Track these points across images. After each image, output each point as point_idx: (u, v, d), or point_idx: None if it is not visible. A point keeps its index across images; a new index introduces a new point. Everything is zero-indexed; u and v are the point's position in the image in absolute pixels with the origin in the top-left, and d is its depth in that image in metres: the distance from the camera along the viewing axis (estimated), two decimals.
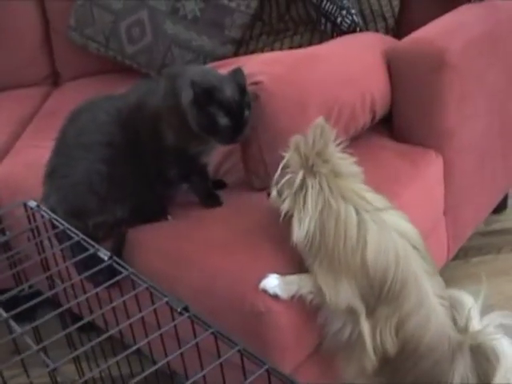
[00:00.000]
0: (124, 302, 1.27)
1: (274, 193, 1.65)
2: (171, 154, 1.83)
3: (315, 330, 1.69)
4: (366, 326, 1.61)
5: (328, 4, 2.40)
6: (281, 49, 2.64)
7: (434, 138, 2.11)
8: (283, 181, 1.61)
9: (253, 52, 2.64)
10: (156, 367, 1.09)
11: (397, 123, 2.17)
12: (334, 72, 1.99)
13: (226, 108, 1.71)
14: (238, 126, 1.74)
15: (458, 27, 2.14)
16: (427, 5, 2.48)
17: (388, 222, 1.58)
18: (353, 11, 2.39)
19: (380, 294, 1.56)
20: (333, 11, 2.40)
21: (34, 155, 2.29)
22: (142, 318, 1.25)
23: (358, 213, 1.56)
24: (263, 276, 1.61)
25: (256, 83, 1.82)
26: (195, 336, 1.15)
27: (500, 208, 2.83)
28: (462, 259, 2.56)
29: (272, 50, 2.64)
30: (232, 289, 1.63)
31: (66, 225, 1.48)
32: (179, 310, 1.18)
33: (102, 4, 2.70)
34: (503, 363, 1.56)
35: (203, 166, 1.91)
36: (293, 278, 1.61)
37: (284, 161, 1.61)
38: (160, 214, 1.91)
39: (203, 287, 1.68)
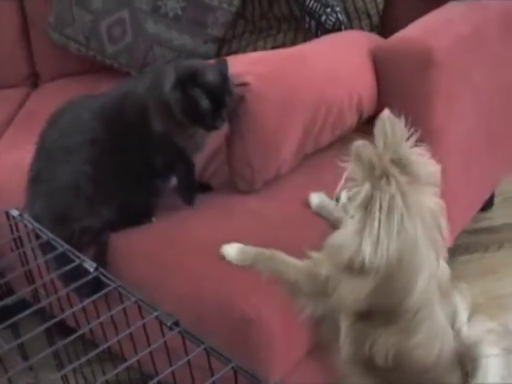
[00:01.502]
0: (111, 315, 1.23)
1: (344, 199, 1.54)
2: (157, 140, 1.80)
3: (305, 334, 1.66)
4: (344, 325, 1.57)
5: (312, 2, 2.37)
6: (264, 47, 2.61)
7: (421, 137, 2.07)
8: (348, 195, 1.46)
9: (235, 51, 2.61)
10: None
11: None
12: (321, 71, 1.96)
13: (208, 91, 1.71)
14: (219, 109, 1.73)
15: (445, 25, 2.12)
16: (412, 2, 2.47)
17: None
18: (337, 9, 2.37)
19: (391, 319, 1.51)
20: (317, 9, 2.37)
21: (15, 157, 2.25)
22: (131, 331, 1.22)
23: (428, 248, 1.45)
24: (252, 281, 1.58)
25: (243, 84, 1.79)
26: (186, 351, 1.12)
27: (487, 206, 2.82)
28: (449, 258, 2.53)
29: (255, 48, 2.61)
30: (220, 294, 1.60)
31: (50, 235, 1.44)
32: (169, 324, 1.14)
33: (82, 3, 2.64)
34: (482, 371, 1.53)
35: (189, 156, 1.87)
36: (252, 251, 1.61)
37: (347, 173, 1.45)
38: (145, 216, 1.87)
39: (190, 292, 1.65)
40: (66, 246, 1.40)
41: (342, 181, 1.50)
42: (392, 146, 1.38)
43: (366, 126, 2.11)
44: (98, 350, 1.13)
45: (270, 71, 1.86)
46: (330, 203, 1.77)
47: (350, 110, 2.00)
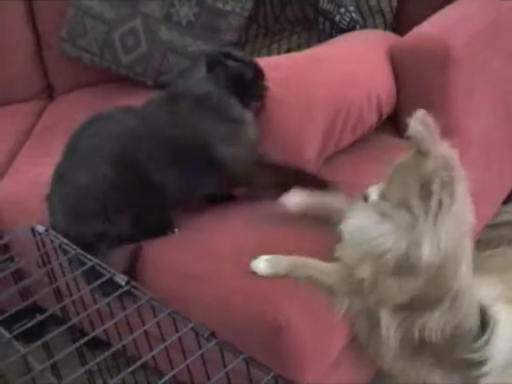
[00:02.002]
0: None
1: (374, 196, 1.57)
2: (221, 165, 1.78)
3: (336, 340, 1.66)
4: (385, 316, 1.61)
5: (326, 3, 2.37)
6: (278, 50, 2.60)
7: (442, 134, 2.07)
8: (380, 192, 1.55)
9: (249, 55, 2.60)
10: None
11: (403, 121, 2.12)
12: (339, 73, 1.96)
13: (246, 63, 1.79)
14: (260, 78, 1.77)
15: (461, 21, 2.11)
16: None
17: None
18: (351, 9, 2.36)
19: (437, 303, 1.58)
20: (331, 10, 2.37)
21: (35, 173, 2.24)
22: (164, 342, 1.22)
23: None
24: (281, 289, 1.58)
25: None
26: (224, 363, 1.11)
27: (508, 199, 2.79)
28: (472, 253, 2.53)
29: (269, 51, 2.61)
30: (249, 303, 1.59)
31: (78, 250, 1.43)
32: (206, 336, 1.13)
33: (94, 14, 2.65)
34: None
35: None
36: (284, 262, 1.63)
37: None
38: (166, 227, 1.85)
39: (218, 304, 1.63)
40: (96, 261, 1.39)
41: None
42: (431, 146, 1.48)
43: (384, 125, 2.12)
44: (132, 367, 1.12)
45: (288, 76, 1.87)
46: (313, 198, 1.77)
47: (369, 110, 1.99)
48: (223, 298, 1.62)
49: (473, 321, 1.63)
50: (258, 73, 1.76)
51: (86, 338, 1.22)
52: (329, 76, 1.92)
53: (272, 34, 2.65)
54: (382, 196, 1.55)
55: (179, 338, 1.20)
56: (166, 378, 1.09)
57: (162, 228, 1.85)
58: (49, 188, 1.87)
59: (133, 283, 1.30)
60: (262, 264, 1.61)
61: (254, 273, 1.61)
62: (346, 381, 1.76)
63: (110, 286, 1.41)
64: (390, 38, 2.23)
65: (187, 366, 1.19)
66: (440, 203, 1.43)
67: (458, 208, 1.46)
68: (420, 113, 1.50)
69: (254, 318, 1.56)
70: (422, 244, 1.46)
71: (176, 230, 1.85)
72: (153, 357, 1.26)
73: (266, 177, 1.80)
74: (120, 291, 1.31)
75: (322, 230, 1.72)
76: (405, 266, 1.51)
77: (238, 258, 1.67)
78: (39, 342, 1.24)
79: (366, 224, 1.61)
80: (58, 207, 1.80)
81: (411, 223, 1.47)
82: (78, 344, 1.22)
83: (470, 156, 2.10)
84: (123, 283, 1.30)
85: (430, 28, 2.09)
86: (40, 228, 1.54)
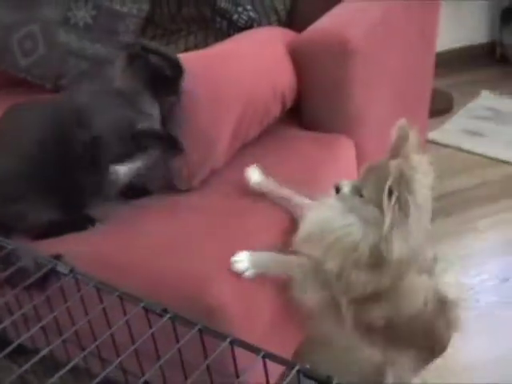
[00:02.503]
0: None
1: (346, 189, 1.64)
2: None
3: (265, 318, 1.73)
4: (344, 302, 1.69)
5: (223, 2, 2.44)
6: (176, 50, 2.64)
7: (343, 124, 2.18)
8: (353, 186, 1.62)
9: None
10: None
11: (306, 112, 2.23)
12: (245, 68, 2.03)
13: (166, 58, 1.81)
14: (178, 74, 1.81)
15: (356, 15, 2.23)
16: None
17: None
18: (248, 7, 2.44)
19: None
20: (228, 9, 2.45)
21: None
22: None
23: None
24: (211, 273, 1.64)
25: None
26: (177, 337, 1.16)
27: None
28: None
29: None
30: (181, 289, 1.63)
31: (14, 245, 1.44)
32: (158, 311, 1.18)
33: None
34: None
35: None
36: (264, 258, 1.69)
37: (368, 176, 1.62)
38: (86, 221, 1.89)
39: (151, 292, 1.67)
40: (34, 253, 1.41)
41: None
42: (406, 153, 1.57)
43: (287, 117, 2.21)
44: (81, 356, 1.14)
45: (198, 71, 1.92)
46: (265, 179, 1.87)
47: (274, 102, 2.08)
48: (155, 287, 1.65)
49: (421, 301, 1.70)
50: (177, 68, 1.80)
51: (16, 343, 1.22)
52: (235, 71, 1.99)
53: (169, 33, 2.70)
54: (354, 191, 1.63)
55: (127, 321, 1.23)
56: (113, 366, 1.12)
57: (83, 221, 1.89)
58: None
59: (76, 271, 1.31)
60: (245, 260, 1.67)
61: (183, 257, 1.68)
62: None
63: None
64: (288, 33, 2.32)
65: (135, 350, 1.22)
66: (405, 202, 1.50)
67: (420, 208, 1.53)
68: (402, 121, 1.63)
69: (186, 302, 1.60)
70: (393, 241, 1.52)
71: (97, 224, 1.88)
72: (97, 346, 1.28)
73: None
74: (64, 279, 1.32)
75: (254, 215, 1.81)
76: (376, 260, 1.57)
77: (166, 248, 1.73)
78: None
79: (331, 215, 1.68)
80: None
81: (379, 219, 1.53)
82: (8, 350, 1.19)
83: (370, 143, 2.23)
84: (66, 271, 1.31)
85: (326, 23, 2.19)
86: None
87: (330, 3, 2.34)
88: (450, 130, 3.63)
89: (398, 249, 1.52)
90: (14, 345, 1.23)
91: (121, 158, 1.80)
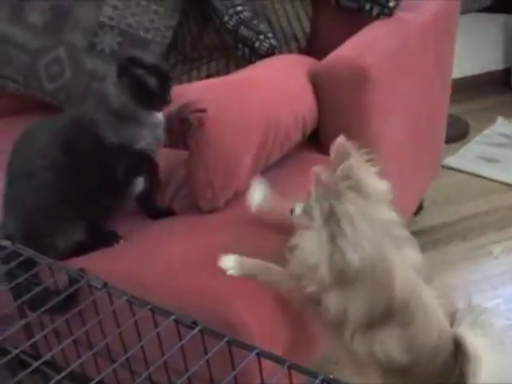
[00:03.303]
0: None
1: (298, 210, 1.68)
2: (116, 153, 1.89)
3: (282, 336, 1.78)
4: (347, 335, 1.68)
5: (245, 30, 2.52)
6: (198, 76, 2.73)
7: (360, 149, 2.23)
8: (313, 211, 1.60)
9: None
10: None
11: (324, 138, 2.29)
12: (268, 94, 2.10)
13: (151, 69, 1.84)
14: (165, 85, 1.86)
15: (374, 43, 2.30)
16: (336, 24, 2.64)
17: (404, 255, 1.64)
18: (269, 35, 2.52)
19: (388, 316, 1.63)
20: (250, 36, 2.52)
21: None
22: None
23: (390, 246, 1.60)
24: (234, 291, 1.71)
25: (199, 110, 1.91)
26: (205, 349, 1.22)
27: (417, 210, 3.00)
28: None
29: (190, 77, 2.73)
30: (203, 307, 1.67)
31: (49, 259, 1.50)
32: (188, 324, 1.23)
33: (19, 44, 2.71)
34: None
35: (150, 157, 1.98)
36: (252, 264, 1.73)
37: (312, 194, 1.61)
38: (112, 238, 1.95)
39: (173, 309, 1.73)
40: (73, 268, 1.46)
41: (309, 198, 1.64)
42: (345, 169, 1.57)
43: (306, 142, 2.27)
44: (113, 366, 1.20)
45: (223, 97, 1.99)
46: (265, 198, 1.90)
47: (295, 128, 2.15)
48: (175, 302, 1.70)
49: (436, 334, 1.67)
50: (162, 79, 1.86)
51: (43, 358, 1.27)
52: (258, 97, 2.06)
53: (191, 60, 2.78)
54: (305, 211, 1.66)
55: (157, 334, 1.29)
56: (142, 378, 1.17)
57: (108, 238, 1.95)
58: (2, 212, 1.96)
59: (109, 285, 1.37)
60: (229, 261, 1.73)
61: (206, 275, 1.73)
62: None
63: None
64: (308, 61, 2.41)
65: (164, 361, 1.27)
66: (331, 211, 1.52)
67: (369, 213, 1.55)
68: (341, 138, 1.64)
69: (208, 319, 1.65)
70: (343, 251, 1.52)
71: (121, 241, 1.94)
72: (127, 359, 1.34)
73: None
74: (96, 294, 1.38)
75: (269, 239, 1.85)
76: (339, 276, 1.57)
77: (187, 264, 1.80)
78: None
79: (304, 242, 1.69)
80: (14, 231, 1.89)
81: (330, 235, 1.55)
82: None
83: (385, 166, 2.28)
84: (100, 286, 1.37)
85: (345, 51, 2.27)
86: (6, 243, 1.58)
87: (349, 31, 2.41)
88: (465, 156, 3.69)
89: (352, 256, 1.52)
90: (47, 357, 1.28)
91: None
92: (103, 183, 1.91)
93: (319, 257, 1.59)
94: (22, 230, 1.87)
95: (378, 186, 1.63)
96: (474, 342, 1.65)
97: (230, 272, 1.73)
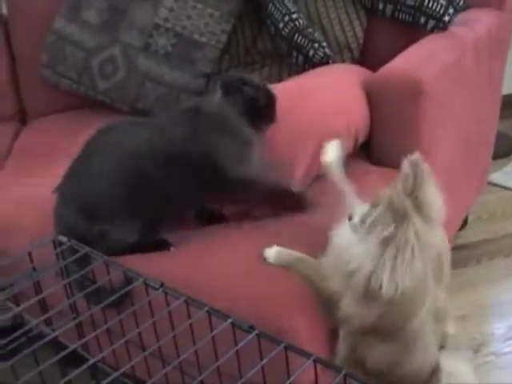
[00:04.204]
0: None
1: (356, 218, 1.66)
2: (236, 183, 1.89)
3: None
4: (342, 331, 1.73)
5: (300, 38, 2.53)
6: None
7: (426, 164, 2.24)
8: (373, 225, 1.59)
9: None
10: None
11: (376, 148, 2.30)
12: (323, 103, 2.12)
13: (260, 90, 1.91)
14: (272, 104, 1.91)
15: (430, 57, 2.29)
16: (390, 36, 2.64)
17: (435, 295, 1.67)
18: (324, 44, 2.53)
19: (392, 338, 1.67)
20: (305, 44, 2.53)
21: (22, 193, 2.31)
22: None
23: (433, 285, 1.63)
24: (284, 297, 1.72)
25: None
26: (261, 353, 1.23)
27: (462, 224, 3.00)
28: None
29: None
30: (253, 312, 1.67)
31: (105, 257, 1.52)
32: (246, 328, 1.25)
33: (75, 41, 2.75)
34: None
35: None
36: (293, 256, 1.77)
37: (376, 208, 1.60)
38: (163, 244, 1.96)
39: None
40: (124, 268, 1.48)
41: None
42: (411, 185, 1.56)
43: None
44: (166, 369, 1.22)
45: (283, 104, 2.00)
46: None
47: (348, 138, 2.15)
48: (228, 309, 1.72)
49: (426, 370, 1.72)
50: (270, 99, 1.89)
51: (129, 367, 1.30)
52: (315, 105, 2.09)
53: (244, 65, 2.80)
54: (362, 220, 1.64)
55: (212, 337, 1.30)
56: (206, 373, 1.19)
57: (159, 245, 1.96)
58: (61, 181, 1.95)
59: (165, 285, 1.39)
60: (273, 253, 1.78)
61: (258, 281, 1.76)
62: None
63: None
64: (362, 71, 2.42)
65: (218, 366, 1.29)
66: (404, 243, 1.52)
67: (417, 255, 1.54)
68: (415, 155, 1.61)
69: (259, 322, 1.66)
70: (383, 276, 1.54)
71: (172, 249, 1.95)
72: (180, 362, 1.35)
73: (259, 194, 1.94)
74: (154, 293, 1.40)
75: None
76: (368, 291, 1.60)
77: (238, 270, 1.82)
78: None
79: (345, 242, 1.71)
80: (69, 202, 1.90)
81: (379, 252, 1.56)
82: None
83: (435, 180, 2.28)
84: (157, 286, 1.39)
85: (400, 63, 2.27)
86: (63, 239, 1.61)
87: (402, 44, 2.42)
88: (511, 173, 3.67)
89: (385, 287, 1.53)
90: (99, 357, 1.31)
91: None
92: (179, 199, 1.92)
93: (361, 267, 1.61)
94: (80, 207, 1.86)
95: (439, 205, 1.64)
96: (448, 366, 1.72)
97: (269, 261, 1.77)
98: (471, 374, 1.78)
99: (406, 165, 1.58)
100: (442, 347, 1.77)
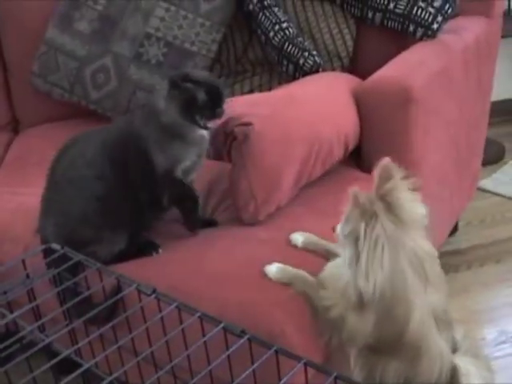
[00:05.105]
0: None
1: (338, 232, 1.66)
2: (161, 179, 1.93)
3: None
4: (353, 353, 1.73)
5: (290, 46, 2.55)
6: (241, 90, 2.76)
7: (402, 169, 2.25)
8: (346, 231, 1.60)
9: None
10: None
11: (366, 155, 2.31)
12: (312, 111, 2.13)
13: (202, 84, 1.87)
14: (216, 99, 1.88)
15: (418, 65, 2.32)
16: (379, 44, 2.67)
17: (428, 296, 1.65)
18: (314, 53, 2.55)
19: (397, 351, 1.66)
20: (295, 53, 2.55)
21: (15, 202, 2.32)
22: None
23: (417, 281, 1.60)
24: (274, 302, 1.74)
25: (245, 124, 1.95)
26: (252, 357, 1.25)
27: (452, 230, 3.02)
28: None
29: (232, 91, 2.75)
30: (243, 316, 1.68)
31: (98, 264, 1.54)
32: (238, 333, 1.26)
33: (67, 51, 2.76)
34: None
35: (192, 190, 2.02)
36: (292, 274, 1.78)
37: (345, 215, 1.60)
38: (151, 247, 1.98)
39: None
40: (118, 274, 1.50)
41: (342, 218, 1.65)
42: (384, 190, 1.58)
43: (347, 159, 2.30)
44: (160, 373, 1.23)
45: (268, 112, 2.03)
46: (312, 237, 1.93)
47: (338, 145, 2.17)
48: (216, 312, 1.73)
49: (436, 376, 1.67)
50: (214, 95, 1.88)
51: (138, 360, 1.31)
52: (304, 113, 2.10)
53: (234, 74, 2.81)
54: (341, 232, 1.65)
55: (204, 342, 1.32)
56: (199, 376, 1.20)
57: (147, 247, 1.98)
58: (39, 220, 2.00)
59: (158, 291, 1.40)
60: (273, 269, 1.78)
61: (248, 287, 1.78)
62: None
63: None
64: (352, 79, 2.44)
65: (210, 370, 1.30)
66: (375, 240, 1.54)
67: (387, 253, 1.55)
68: (386, 160, 1.63)
69: (249, 327, 1.67)
70: (358, 275, 1.55)
71: (160, 251, 1.97)
72: (172, 367, 1.37)
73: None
74: (146, 300, 1.41)
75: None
76: (360, 300, 1.60)
77: (229, 276, 1.83)
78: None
79: (337, 261, 1.74)
80: (52, 237, 1.91)
81: (353, 253, 1.57)
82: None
83: (426, 187, 2.30)
84: (149, 292, 1.40)
85: (391, 71, 2.30)
86: (56, 246, 1.62)
87: (392, 52, 2.45)
88: (500, 179, 3.70)
89: (362, 283, 1.55)
90: (92, 363, 1.32)
91: None
92: (148, 198, 1.95)
93: (347, 279, 1.63)
94: (62, 238, 1.86)
95: (416, 211, 1.63)
96: (467, 370, 1.69)
97: (270, 277, 1.77)
98: (489, 376, 1.77)
99: (377, 169, 1.59)
100: (454, 351, 1.75)
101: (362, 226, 1.54)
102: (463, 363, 1.70)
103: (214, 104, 1.88)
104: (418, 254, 1.61)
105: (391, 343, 1.65)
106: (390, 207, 1.57)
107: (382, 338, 1.65)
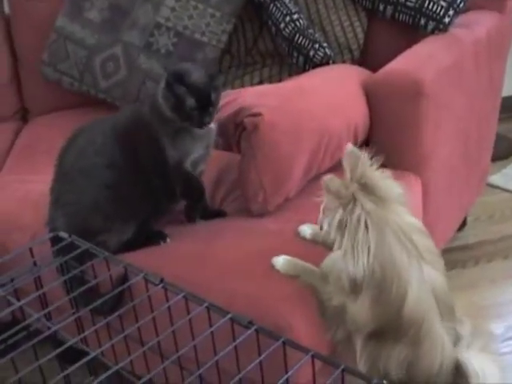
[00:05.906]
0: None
1: (325, 226, 1.67)
2: (173, 170, 1.94)
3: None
4: (359, 344, 1.71)
5: (301, 38, 2.54)
6: (251, 81, 2.76)
7: (412, 162, 2.25)
8: (328, 222, 1.62)
9: (223, 85, 2.74)
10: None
11: (376, 148, 2.29)
12: (322, 103, 2.12)
13: (194, 89, 1.85)
14: (206, 107, 1.86)
15: (429, 58, 2.30)
16: (390, 37, 2.65)
17: (425, 273, 1.63)
18: (325, 45, 2.54)
19: (400, 334, 1.65)
20: (305, 45, 2.54)
21: (23, 190, 2.33)
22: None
23: (407, 256, 1.59)
24: (281, 294, 1.73)
25: (255, 115, 1.94)
26: (259, 349, 1.24)
27: (461, 226, 3.01)
28: None
29: (242, 82, 2.75)
30: (250, 308, 1.67)
31: (106, 253, 1.53)
32: (245, 324, 1.26)
33: (76, 40, 2.77)
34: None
35: (200, 182, 2.03)
36: (299, 266, 1.77)
37: (323, 205, 1.63)
38: (159, 236, 1.98)
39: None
40: (125, 262, 1.49)
41: (321, 211, 1.67)
42: (357, 174, 1.58)
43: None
44: (165, 364, 1.22)
45: (278, 103, 2.02)
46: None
47: (347, 138, 2.15)
48: (223, 303, 1.73)
49: (438, 363, 1.67)
50: (202, 102, 1.87)
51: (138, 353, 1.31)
52: (313, 105, 2.09)
53: (244, 65, 2.80)
54: (325, 224, 1.66)
55: (211, 332, 1.31)
56: (202, 369, 1.20)
57: (155, 236, 1.98)
58: (49, 211, 1.99)
59: (165, 281, 1.40)
60: (281, 261, 1.77)
61: (255, 278, 1.77)
62: None
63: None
64: (362, 72, 2.43)
65: (216, 361, 1.30)
66: (356, 222, 1.54)
67: (371, 232, 1.55)
68: (350, 147, 1.64)
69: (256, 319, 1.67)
70: (348, 260, 1.56)
71: (168, 240, 1.97)
72: (178, 357, 1.36)
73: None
74: (153, 289, 1.41)
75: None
76: (353, 285, 1.60)
77: (238, 266, 1.82)
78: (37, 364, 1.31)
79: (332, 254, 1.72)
80: (62, 227, 1.88)
81: (339, 240, 1.59)
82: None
83: (435, 180, 2.30)
84: (157, 282, 1.40)
85: (400, 64, 2.28)
86: (64, 235, 1.62)
87: (402, 45, 2.43)
88: (510, 175, 3.68)
89: (352, 268, 1.56)
90: (98, 351, 1.31)
91: None
92: (160, 184, 1.95)
93: (339, 267, 1.63)
94: (73, 228, 1.84)
95: (392, 187, 1.64)
96: (479, 367, 1.66)
97: (277, 269, 1.77)
98: (498, 374, 1.76)
99: (345, 159, 1.60)
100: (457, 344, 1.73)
101: (340, 211, 1.56)
102: (471, 360, 1.67)
103: (202, 112, 1.87)
104: (403, 228, 1.60)
105: (391, 325, 1.64)
106: (367, 188, 1.57)
107: (381, 321, 1.64)
